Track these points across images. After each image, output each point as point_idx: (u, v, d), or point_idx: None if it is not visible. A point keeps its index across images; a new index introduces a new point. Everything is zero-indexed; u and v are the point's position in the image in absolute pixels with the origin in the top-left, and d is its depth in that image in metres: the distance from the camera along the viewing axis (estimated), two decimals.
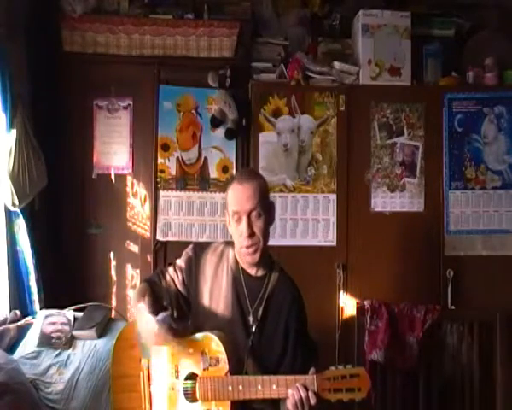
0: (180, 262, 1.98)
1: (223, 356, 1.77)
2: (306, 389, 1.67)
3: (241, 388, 1.73)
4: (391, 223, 3.16)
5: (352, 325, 3.08)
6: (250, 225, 1.82)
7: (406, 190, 3.19)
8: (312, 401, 1.66)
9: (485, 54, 3.26)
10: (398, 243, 3.14)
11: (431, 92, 3.23)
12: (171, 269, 1.98)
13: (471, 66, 3.28)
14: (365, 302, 3.05)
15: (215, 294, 1.92)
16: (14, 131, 2.70)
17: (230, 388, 1.74)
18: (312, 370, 1.70)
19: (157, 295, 1.91)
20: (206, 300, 1.92)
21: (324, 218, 3.16)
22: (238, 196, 1.84)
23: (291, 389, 1.68)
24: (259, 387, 1.72)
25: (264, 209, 1.85)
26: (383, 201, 3.18)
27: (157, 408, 1.87)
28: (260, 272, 1.92)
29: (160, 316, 1.76)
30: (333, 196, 3.16)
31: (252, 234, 1.82)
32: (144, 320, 1.80)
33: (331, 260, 3.12)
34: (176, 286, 1.95)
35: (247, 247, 1.83)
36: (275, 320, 1.88)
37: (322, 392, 1.67)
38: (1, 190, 2.71)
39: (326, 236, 3.15)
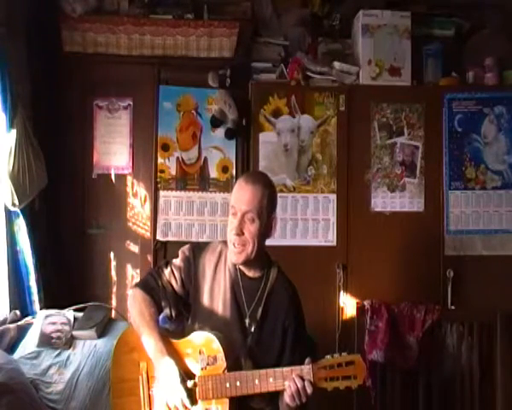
0: (178, 263, 1.96)
1: (220, 355, 1.78)
2: (302, 379, 1.68)
3: (238, 384, 1.74)
4: (391, 223, 3.16)
5: (352, 325, 3.08)
6: (241, 225, 1.83)
7: (406, 190, 3.19)
8: (309, 390, 1.68)
9: (485, 54, 3.26)
10: (398, 243, 3.13)
11: (431, 92, 3.23)
12: (167, 271, 1.95)
13: (471, 66, 3.28)
14: (365, 302, 3.05)
15: (215, 294, 1.91)
16: (14, 131, 2.69)
17: (228, 384, 1.75)
18: (308, 360, 1.71)
19: (157, 303, 1.91)
20: (206, 300, 1.92)
21: (324, 218, 3.15)
22: (238, 194, 1.86)
23: (287, 380, 1.69)
24: (257, 381, 1.73)
25: (261, 217, 1.84)
26: (383, 201, 3.18)
27: None
28: (257, 273, 1.92)
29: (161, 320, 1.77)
30: (333, 196, 3.15)
31: (240, 233, 1.83)
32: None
33: (331, 260, 3.11)
34: (173, 289, 1.93)
35: (234, 244, 1.84)
36: (273, 320, 1.88)
37: (319, 381, 1.69)
38: (1, 190, 2.70)
39: (326, 236, 3.15)
